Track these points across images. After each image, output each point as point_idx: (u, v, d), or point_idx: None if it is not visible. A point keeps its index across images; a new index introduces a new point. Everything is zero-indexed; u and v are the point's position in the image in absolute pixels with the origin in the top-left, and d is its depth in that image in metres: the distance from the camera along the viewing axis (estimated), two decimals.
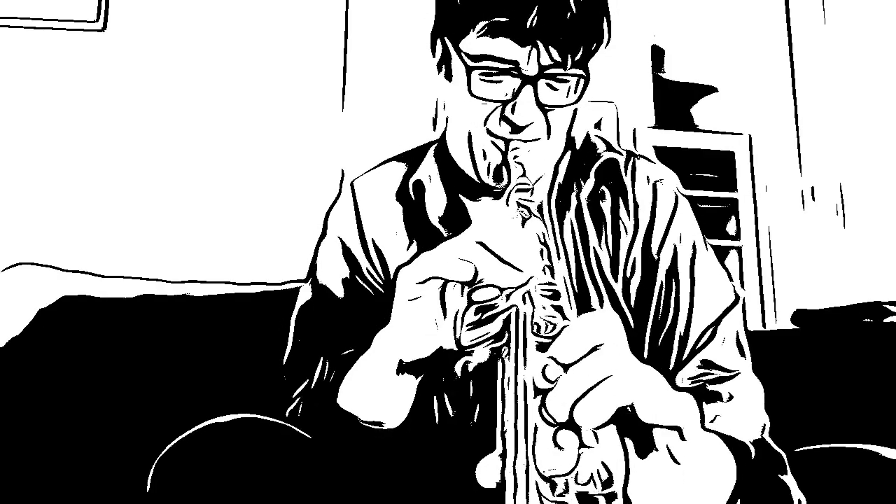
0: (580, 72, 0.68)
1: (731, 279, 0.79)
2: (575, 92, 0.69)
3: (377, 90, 1.99)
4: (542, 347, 0.47)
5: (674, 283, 0.76)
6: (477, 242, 0.53)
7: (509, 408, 0.44)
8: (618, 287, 0.76)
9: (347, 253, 0.80)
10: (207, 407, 0.66)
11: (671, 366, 0.74)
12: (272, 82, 1.95)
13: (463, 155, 0.75)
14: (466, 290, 0.54)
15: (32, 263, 1.26)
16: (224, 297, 1.23)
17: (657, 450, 0.49)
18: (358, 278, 0.79)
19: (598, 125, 2.17)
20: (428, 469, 0.64)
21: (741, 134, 2.44)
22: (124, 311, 1.17)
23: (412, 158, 0.84)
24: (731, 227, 2.39)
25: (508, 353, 0.48)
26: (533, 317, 0.49)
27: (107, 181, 1.84)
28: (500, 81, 0.68)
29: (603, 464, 0.44)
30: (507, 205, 0.62)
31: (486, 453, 0.43)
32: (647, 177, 0.80)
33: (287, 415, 0.73)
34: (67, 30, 1.88)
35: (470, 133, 0.72)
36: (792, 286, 2.32)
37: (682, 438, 0.49)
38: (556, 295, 0.51)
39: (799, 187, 2.42)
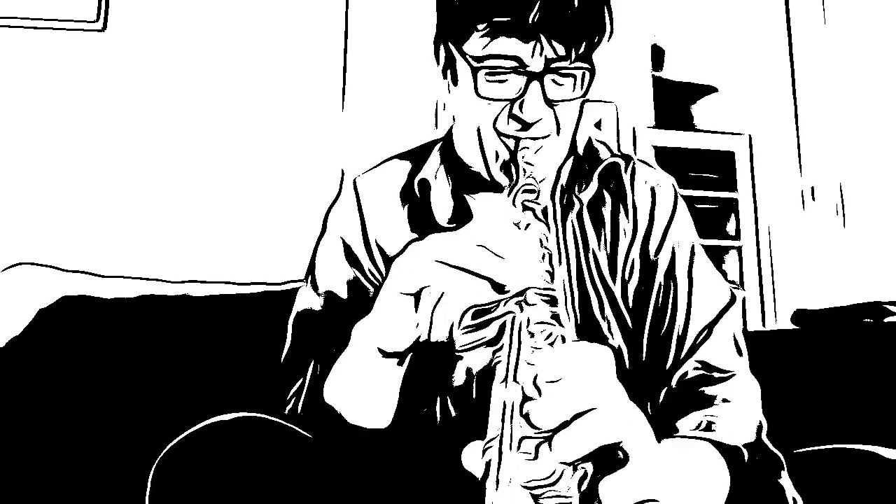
0: (585, 65, 0.68)
1: (730, 281, 0.79)
2: (581, 86, 0.69)
3: (377, 90, 1.99)
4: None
5: (672, 285, 0.77)
6: (477, 245, 0.53)
7: (495, 414, 0.44)
8: (616, 289, 0.76)
9: (349, 252, 0.79)
10: (207, 406, 0.66)
11: (668, 365, 0.75)
12: (272, 82, 1.95)
13: (472, 153, 0.75)
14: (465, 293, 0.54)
15: (32, 263, 1.26)
16: (224, 297, 1.23)
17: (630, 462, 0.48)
18: (361, 278, 0.78)
19: (598, 125, 2.17)
20: (425, 469, 0.64)
21: (741, 134, 2.44)
22: (124, 311, 1.17)
23: (416, 156, 0.83)
24: (731, 227, 2.39)
25: (500, 360, 0.48)
26: (528, 323, 0.49)
27: (107, 181, 1.84)
28: (506, 80, 0.68)
29: (584, 474, 0.44)
30: (514, 205, 0.62)
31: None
32: (646, 181, 0.81)
33: (286, 414, 0.73)
34: (67, 30, 1.88)
35: (479, 129, 0.72)
36: (792, 286, 2.32)
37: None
38: (553, 301, 0.51)
39: (799, 187, 2.42)
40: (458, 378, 0.71)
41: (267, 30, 1.97)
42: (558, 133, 0.70)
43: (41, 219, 1.79)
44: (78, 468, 0.94)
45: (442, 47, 0.74)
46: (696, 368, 0.74)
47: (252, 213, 1.88)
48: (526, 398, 0.44)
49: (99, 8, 1.89)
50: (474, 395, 0.70)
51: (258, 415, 0.62)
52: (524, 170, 0.66)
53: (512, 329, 0.49)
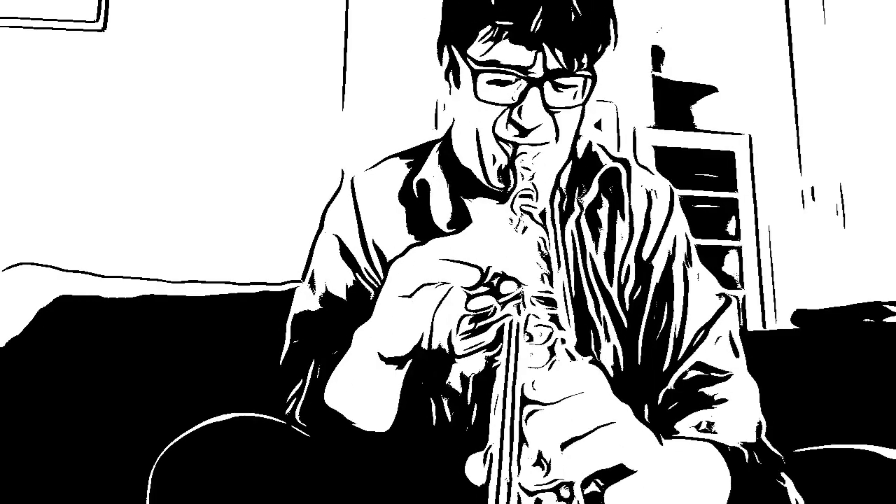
0: (587, 73, 0.68)
1: (730, 281, 0.80)
2: (582, 94, 0.69)
3: (377, 90, 1.99)
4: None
5: (668, 288, 0.77)
6: (476, 248, 0.53)
7: (496, 420, 0.44)
8: (613, 291, 0.76)
9: (345, 252, 0.79)
10: (207, 407, 0.66)
11: (665, 367, 0.75)
12: (272, 82, 1.95)
13: (470, 156, 0.75)
14: (464, 295, 0.54)
15: (32, 263, 1.26)
16: (224, 297, 1.23)
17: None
18: (358, 278, 0.78)
19: (598, 125, 2.17)
20: (423, 471, 0.64)
21: (741, 134, 2.44)
22: (124, 311, 1.17)
23: (415, 157, 0.83)
24: (731, 227, 2.39)
25: (499, 364, 0.48)
26: (527, 326, 0.49)
27: (107, 181, 1.84)
28: (505, 85, 0.68)
29: (586, 480, 0.44)
30: (513, 210, 0.62)
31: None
32: (643, 185, 0.81)
33: (286, 415, 0.73)
34: (67, 30, 1.88)
35: (478, 131, 0.72)
36: (792, 286, 2.32)
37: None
38: (551, 303, 0.51)
39: (799, 187, 2.42)
40: (454, 382, 0.71)
41: (267, 30, 1.97)
42: (557, 140, 0.70)
43: (41, 219, 1.79)
44: (78, 468, 0.94)
45: (445, 49, 0.74)
46: (693, 370, 0.74)
47: (252, 213, 1.88)
48: (525, 401, 0.44)
49: (99, 8, 1.89)
50: (469, 401, 0.70)
51: (257, 415, 0.62)
52: (521, 175, 0.66)
53: (510, 332, 0.49)
